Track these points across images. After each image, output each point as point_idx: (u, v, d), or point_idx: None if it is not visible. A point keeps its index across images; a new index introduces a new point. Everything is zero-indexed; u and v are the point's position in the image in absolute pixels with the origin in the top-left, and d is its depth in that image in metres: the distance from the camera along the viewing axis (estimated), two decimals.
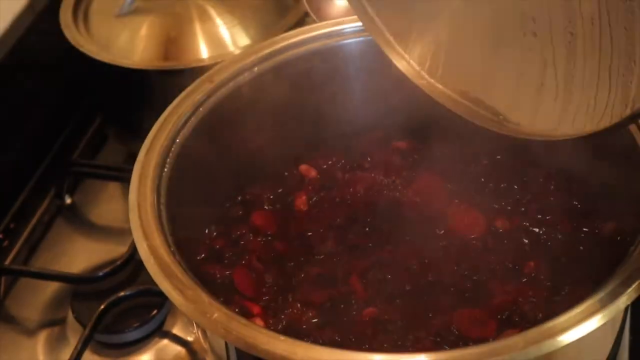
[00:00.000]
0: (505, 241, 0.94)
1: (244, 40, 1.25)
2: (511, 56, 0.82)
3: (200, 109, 0.95)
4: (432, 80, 0.92)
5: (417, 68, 0.93)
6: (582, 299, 0.73)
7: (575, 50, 0.75)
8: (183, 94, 0.96)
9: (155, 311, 1.10)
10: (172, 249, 0.81)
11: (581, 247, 0.92)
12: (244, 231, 0.97)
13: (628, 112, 0.71)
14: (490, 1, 0.82)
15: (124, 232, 1.20)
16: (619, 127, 0.73)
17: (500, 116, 0.86)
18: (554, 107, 0.79)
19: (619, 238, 0.89)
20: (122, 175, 1.26)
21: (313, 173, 1.04)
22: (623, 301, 0.72)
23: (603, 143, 0.88)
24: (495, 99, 0.86)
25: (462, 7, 0.85)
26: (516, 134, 0.84)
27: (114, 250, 1.18)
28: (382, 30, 0.93)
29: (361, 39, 1.03)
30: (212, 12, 1.26)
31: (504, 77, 0.84)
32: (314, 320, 0.87)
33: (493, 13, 0.82)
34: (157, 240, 0.81)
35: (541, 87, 0.80)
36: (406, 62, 0.93)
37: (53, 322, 1.14)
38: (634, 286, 0.73)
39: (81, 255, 1.22)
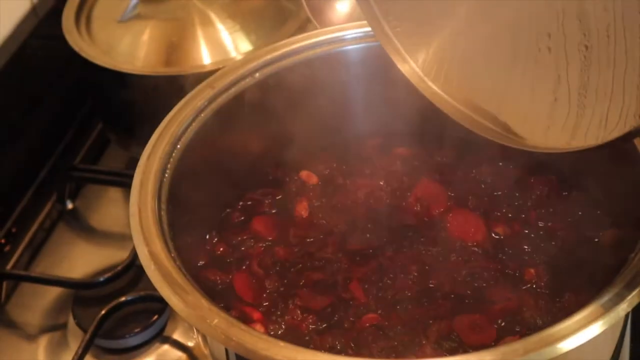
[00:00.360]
0: (506, 248, 0.94)
1: (245, 46, 1.25)
2: (525, 72, 0.82)
3: (202, 114, 0.95)
4: (438, 90, 0.92)
5: (422, 75, 0.93)
6: (582, 305, 0.73)
7: (590, 63, 0.75)
8: (184, 99, 0.96)
9: (156, 317, 1.10)
10: (172, 255, 0.81)
11: (581, 254, 0.92)
12: (244, 237, 0.98)
13: None
14: (506, 17, 0.82)
15: (125, 237, 1.20)
16: (631, 137, 0.73)
17: (510, 132, 0.86)
18: (567, 122, 0.79)
19: (619, 245, 0.90)
20: (123, 181, 1.26)
21: (314, 179, 1.04)
22: (623, 308, 0.72)
23: (604, 151, 0.88)
24: (508, 114, 0.86)
25: (476, 20, 0.85)
26: (525, 147, 0.84)
27: (115, 256, 1.18)
28: (391, 37, 0.93)
29: (362, 45, 1.03)
30: (214, 18, 1.26)
31: (517, 94, 0.84)
32: (314, 326, 0.88)
33: (509, 29, 0.82)
34: (158, 246, 0.81)
35: (554, 102, 0.79)
36: (411, 68, 0.93)
37: (54, 327, 1.14)
38: (634, 293, 0.73)
39: (82, 260, 1.22)
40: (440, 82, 0.92)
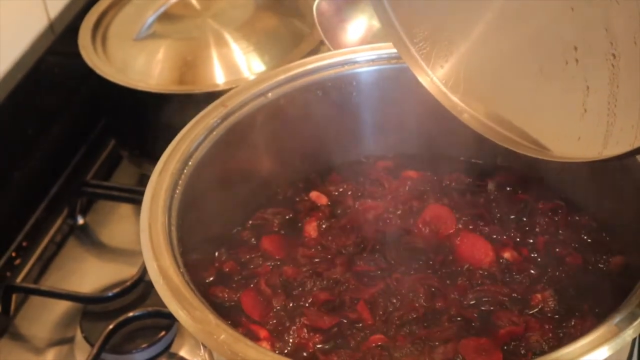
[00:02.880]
0: (513, 272, 0.94)
1: (259, 66, 1.26)
2: (552, 85, 0.81)
3: (214, 132, 0.96)
4: (458, 101, 0.91)
5: (441, 86, 0.92)
6: (589, 331, 0.73)
7: (619, 71, 0.74)
8: (197, 117, 0.97)
9: (163, 333, 1.10)
10: (181, 270, 0.81)
11: (588, 280, 0.92)
12: (253, 255, 0.98)
13: None
14: (529, 32, 0.81)
15: (134, 253, 1.21)
16: None
17: (538, 145, 0.85)
18: (598, 131, 0.78)
19: (626, 271, 0.90)
20: (134, 197, 1.27)
21: (323, 200, 1.05)
22: (629, 334, 0.72)
23: (612, 177, 0.89)
24: (536, 127, 0.85)
25: (497, 34, 0.84)
26: (552, 158, 0.83)
27: (124, 271, 1.19)
28: (409, 47, 0.93)
29: (375, 67, 1.04)
30: (228, 38, 1.27)
31: (545, 107, 0.83)
32: (320, 346, 0.88)
33: (533, 44, 0.81)
34: (167, 261, 0.81)
35: (584, 113, 0.79)
36: (430, 78, 0.92)
37: (62, 340, 1.15)
38: None
39: (91, 275, 1.23)
40: (460, 93, 0.91)
